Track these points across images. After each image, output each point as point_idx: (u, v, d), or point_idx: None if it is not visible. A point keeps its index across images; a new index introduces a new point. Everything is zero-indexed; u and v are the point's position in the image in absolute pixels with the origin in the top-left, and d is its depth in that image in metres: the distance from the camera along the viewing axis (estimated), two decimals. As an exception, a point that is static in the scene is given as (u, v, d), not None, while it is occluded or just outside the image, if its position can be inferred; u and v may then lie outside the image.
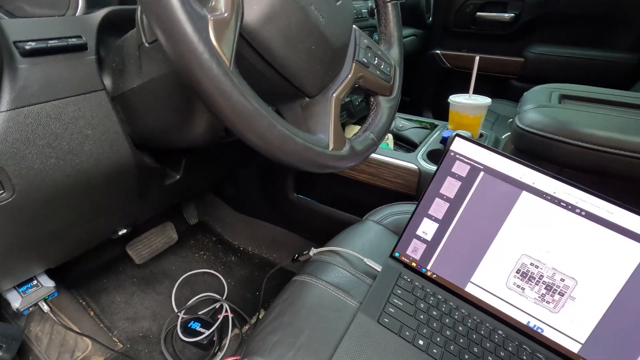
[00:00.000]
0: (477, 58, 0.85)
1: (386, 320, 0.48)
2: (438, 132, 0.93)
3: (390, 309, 0.50)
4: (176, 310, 0.89)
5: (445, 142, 0.84)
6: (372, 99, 0.48)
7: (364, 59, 0.43)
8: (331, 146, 0.36)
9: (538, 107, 0.66)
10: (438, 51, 1.60)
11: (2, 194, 0.39)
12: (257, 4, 0.30)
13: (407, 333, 0.47)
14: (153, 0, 0.23)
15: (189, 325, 0.84)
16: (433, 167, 0.76)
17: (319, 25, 0.35)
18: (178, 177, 0.65)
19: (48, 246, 0.52)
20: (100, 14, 0.46)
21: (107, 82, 0.47)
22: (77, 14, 0.49)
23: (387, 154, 0.80)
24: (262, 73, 0.35)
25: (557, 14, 1.35)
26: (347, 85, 0.41)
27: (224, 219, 1.16)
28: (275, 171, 0.96)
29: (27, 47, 0.39)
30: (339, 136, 0.37)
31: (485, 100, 0.85)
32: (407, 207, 0.71)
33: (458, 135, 0.55)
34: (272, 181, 0.99)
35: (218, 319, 0.86)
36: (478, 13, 1.46)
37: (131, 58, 0.44)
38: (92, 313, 0.85)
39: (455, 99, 0.87)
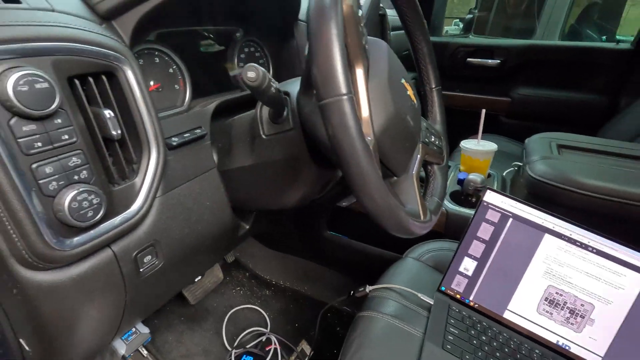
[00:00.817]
0: (484, 111, 1.00)
1: (448, 347, 0.59)
2: (452, 173, 1.06)
3: (449, 337, 0.61)
4: (227, 346, 0.96)
5: (462, 183, 0.97)
6: (430, 168, 0.60)
7: (426, 139, 0.56)
8: (421, 217, 0.47)
9: (543, 159, 0.81)
10: (434, 91, 1.77)
11: (156, 261, 0.48)
12: (379, 126, 0.42)
13: (467, 357, 0.58)
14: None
15: (242, 359, 0.91)
16: (458, 207, 0.89)
17: (410, 127, 0.47)
18: (247, 227, 0.74)
19: (156, 301, 0.60)
20: (212, 106, 0.57)
21: (215, 159, 0.58)
22: (185, 103, 0.59)
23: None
24: None
25: (537, 61, 1.55)
26: (419, 163, 0.53)
27: (255, 255, 1.25)
28: (311, 211, 1.07)
29: (174, 143, 0.49)
30: (424, 206, 0.49)
31: (493, 147, 1.00)
32: (440, 244, 0.83)
33: (489, 188, 0.68)
34: (307, 220, 1.10)
35: (268, 351, 0.93)
36: (468, 59, 1.65)
37: (241, 142, 0.55)
38: (149, 353, 0.91)
39: (466, 145, 1.02)
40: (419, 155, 0.53)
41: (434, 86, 0.63)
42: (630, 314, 0.59)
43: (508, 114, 1.65)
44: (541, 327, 0.64)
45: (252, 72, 0.35)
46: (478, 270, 0.68)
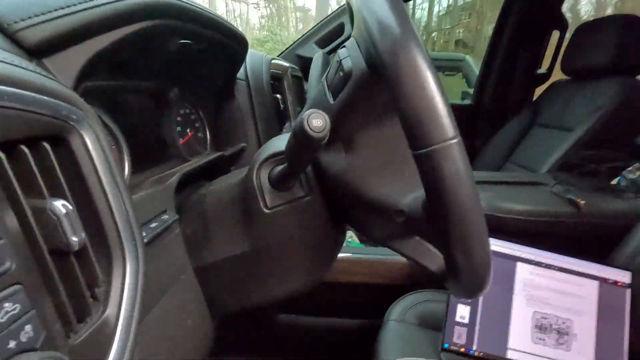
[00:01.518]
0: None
1: (490, 413, 0.52)
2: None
3: (483, 401, 0.54)
4: None
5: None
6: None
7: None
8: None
9: (475, 194, 0.89)
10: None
11: None
12: None
13: (509, 417, 0.52)
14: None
15: None
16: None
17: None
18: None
19: None
20: (174, 181, 0.41)
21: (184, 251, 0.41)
22: (125, 179, 0.42)
23: (378, 252, 0.88)
24: None
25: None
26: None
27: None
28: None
29: (145, 240, 0.32)
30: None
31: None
32: (415, 297, 0.79)
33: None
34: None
35: None
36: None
37: (226, 223, 0.41)
38: None
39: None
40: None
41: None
42: (599, 318, 0.66)
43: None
44: (540, 356, 0.64)
45: (320, 120, 0.26)
46: (473, 315, 0.66)
